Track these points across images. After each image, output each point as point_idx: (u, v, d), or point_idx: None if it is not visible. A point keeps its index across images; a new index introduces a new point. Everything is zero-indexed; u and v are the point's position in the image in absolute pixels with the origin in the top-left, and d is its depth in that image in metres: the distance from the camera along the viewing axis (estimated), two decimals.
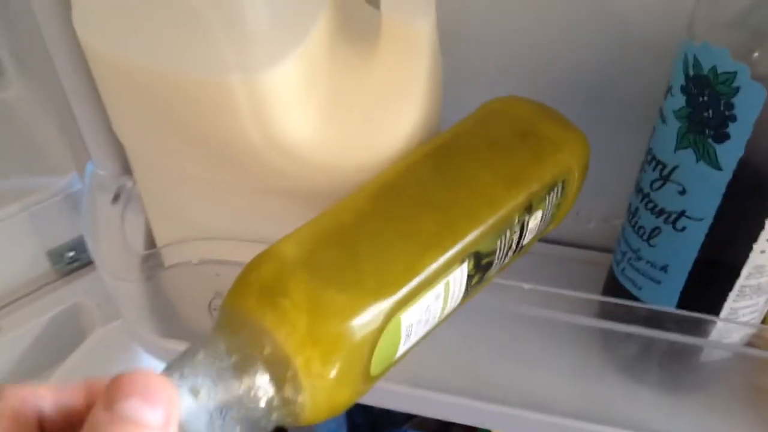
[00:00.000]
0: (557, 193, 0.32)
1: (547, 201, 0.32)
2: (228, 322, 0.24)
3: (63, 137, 0.52)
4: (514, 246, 0.31)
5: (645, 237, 0.34)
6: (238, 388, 0.22)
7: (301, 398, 0.23)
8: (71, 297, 0.54)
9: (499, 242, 0.29)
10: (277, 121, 0.29)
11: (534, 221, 0.31)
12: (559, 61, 0.39)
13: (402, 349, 0.26)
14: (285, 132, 0.30)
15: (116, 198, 0.39)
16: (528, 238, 0.32)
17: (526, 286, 0.31)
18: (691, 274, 0.33)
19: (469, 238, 0.28)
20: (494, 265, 0.30)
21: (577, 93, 0.40)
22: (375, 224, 0.27)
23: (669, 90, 0.31)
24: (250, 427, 0.22)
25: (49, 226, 0.53)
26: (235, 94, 0.28)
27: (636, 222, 0.34)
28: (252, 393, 0.22)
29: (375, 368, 0.26)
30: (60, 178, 0.53)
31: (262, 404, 0.22)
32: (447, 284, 0.27)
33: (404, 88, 0.31)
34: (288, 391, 0.23)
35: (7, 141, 0.56)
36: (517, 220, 0.30)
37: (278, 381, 0.22)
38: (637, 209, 0.34)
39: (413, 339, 0.27)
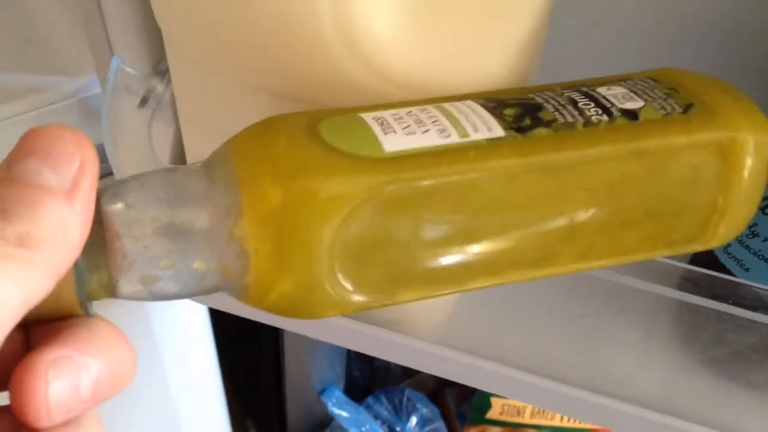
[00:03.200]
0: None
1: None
2: (211, 160, 0.21)
3: (82, 33, 0.46)
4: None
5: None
6: (188, 212, 0.20)
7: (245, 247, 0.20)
8: None
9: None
10: (357, 15, 0.24)
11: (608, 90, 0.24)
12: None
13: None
14: (364, 30, 0.24)
15: (144, 102, 0.34)
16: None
17: None
18: None
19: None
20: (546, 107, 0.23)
21: (701, 46, 0.34)
22: None
23: None
24: (191, 277, 0.20)
25: None
26: None
27: None
28: (197, 228, 0.20)
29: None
30: (75, 79, 0.48)
31: (203, 245, 0.20)
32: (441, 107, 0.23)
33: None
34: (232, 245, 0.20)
35: (19, 34, 0.51)
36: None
37: (226, 227, 0.20)
38: None
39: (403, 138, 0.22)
